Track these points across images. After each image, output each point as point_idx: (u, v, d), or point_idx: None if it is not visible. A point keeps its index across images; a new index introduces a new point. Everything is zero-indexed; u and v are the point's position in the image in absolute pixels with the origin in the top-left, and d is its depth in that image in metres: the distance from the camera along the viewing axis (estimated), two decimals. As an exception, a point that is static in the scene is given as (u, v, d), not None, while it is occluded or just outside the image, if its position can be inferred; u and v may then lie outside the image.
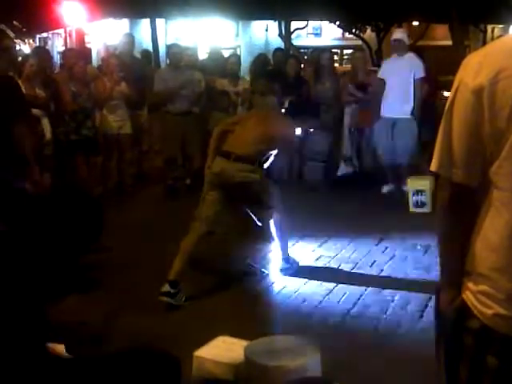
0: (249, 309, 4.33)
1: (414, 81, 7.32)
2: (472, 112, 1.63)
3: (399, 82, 7.32)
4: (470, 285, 1.71)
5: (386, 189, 7.62)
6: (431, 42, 12.27)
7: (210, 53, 9.67)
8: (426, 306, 4.20)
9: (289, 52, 12.11)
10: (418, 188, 6.83)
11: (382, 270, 5.13)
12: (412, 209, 6.88)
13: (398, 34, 7.63)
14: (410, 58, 7.49)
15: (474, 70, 1.64)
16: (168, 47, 8.88)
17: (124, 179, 8.03)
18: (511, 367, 1.63)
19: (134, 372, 2.61)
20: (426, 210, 6.69)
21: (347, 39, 14.54)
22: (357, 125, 8.07)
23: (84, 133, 7.24)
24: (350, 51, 13.65)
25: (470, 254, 1.72)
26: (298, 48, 12.59)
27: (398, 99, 7.32)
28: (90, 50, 9.43)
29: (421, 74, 7.36)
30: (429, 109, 7.61)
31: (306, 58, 9.51)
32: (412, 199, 6.87)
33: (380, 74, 7.70)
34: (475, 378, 1.69)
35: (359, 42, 12.14)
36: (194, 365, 2.86)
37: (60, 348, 2.75)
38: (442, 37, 12.70)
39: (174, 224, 6.44)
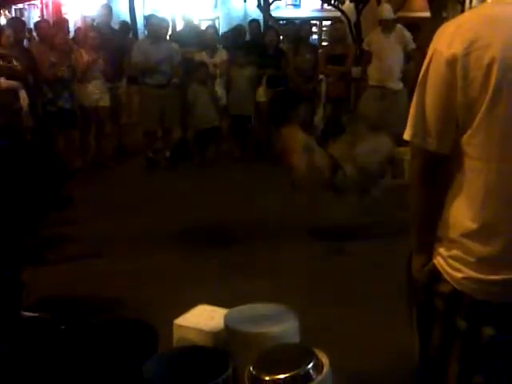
0: (231, 276, 4.39)
1: (405, 53, 7.34)
2: (445, 81, 1.65)
3: (390, 54, 7.35)
4: (442, 250, 1.76)
5: None
6: (410, 13, 12.26)
7: (187, 24, 9.57)
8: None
9: (267, 23, 12.03)
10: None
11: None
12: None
13: (386, 12, 7.49)
14: (400, 30, 7.49)
15: (448, 39, 1.65)
16: (146, 18, 8.79)
17: (103, 152, 8.00)
18: (480, 329, 1.68)
19: (110, 341, 2.65)
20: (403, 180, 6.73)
21: (326, 11, 14.44)
22: (333, 95, 8.07)
23: (61, 104, 7.18)
24: (328, 23, 13.58)
25: (442, 220, 1.76)
26: (277, 19, 12.48)
27: (388, 71, 7.34)
28: (67, 21, 9.26)
29: (412, 45, 7.39)
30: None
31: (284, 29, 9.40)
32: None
33: (366, 46, 7.68)
34: (447, 340, 1.74)
35: (338, 14, 12.06)
36: (174, 333, 2.90)
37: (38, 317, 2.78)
38: (420, 8, 12.72)
39: (154, 196, 6.48)
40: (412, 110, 1.75)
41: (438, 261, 1.77)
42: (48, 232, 4.68)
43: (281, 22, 11.95)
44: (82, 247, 5.07)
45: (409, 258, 1.92)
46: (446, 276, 1.73)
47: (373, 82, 7.51)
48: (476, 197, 1.67)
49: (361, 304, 3.89)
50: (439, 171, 1.74)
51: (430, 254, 1.81)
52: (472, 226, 1.67)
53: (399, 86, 7.47)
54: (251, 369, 2.37)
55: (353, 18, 11.80)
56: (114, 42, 8.17)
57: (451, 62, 1.63)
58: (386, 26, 7.43)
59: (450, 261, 1.72)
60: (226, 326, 2.71)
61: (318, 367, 2.35)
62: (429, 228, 1.80)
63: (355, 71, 8.08)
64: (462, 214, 1.70)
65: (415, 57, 7.26)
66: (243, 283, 4.19)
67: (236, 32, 9.20)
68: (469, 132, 1.65)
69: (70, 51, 7.55)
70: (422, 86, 1.71)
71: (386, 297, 3.89)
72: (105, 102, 7.79)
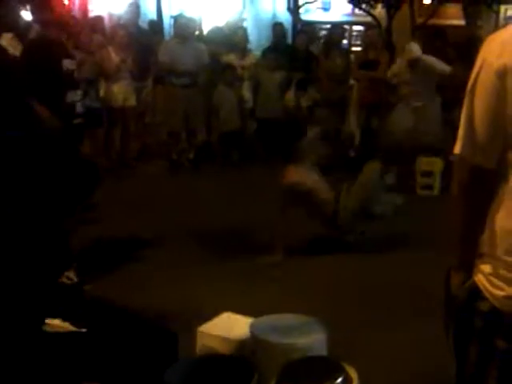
0: (256, 283, 4.30)
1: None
2: (494, 93, 1.59)
3: (417, 86, 7.14)
4: (483, 267, 1.70)
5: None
6: (441, 20, 12.12)
7: (217, 26, 9.54)
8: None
9: (297, 27, 11.97)
10: (426, 169, 6.71)
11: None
12: (419, 191, 6.75)
13: (414, 50, 7.15)
14: (423, 62, 7.14)
15: (498, 49, 1.59)
16: (173, 18, 8.74)
17: (127, 152, 7.98)
18: None
19: (130, 346, 2.61)
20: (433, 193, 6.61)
21: (356, 15, 14.31)
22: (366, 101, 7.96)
23: (87, 104, 7.17)
24: (359, 28, 13.46)
25: (486, 236, 1.70)
26: (307, 23, 12.41)
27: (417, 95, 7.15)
28: (102, 19, 9.20)
29: (441, 68, 7.10)
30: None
31: (315, 33, 9.35)
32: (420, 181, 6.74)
33: (392, 77, 7.50)
34: (484, 359, 1.69)
35: (369, 19, 11.94)
36: (197, 340, 2.84)
37: (59, 320, 2.74)
38: (452, 16, 12.56)
39: (176, 198, 6.44)
40: (461, 122, 1.69)
41: (479, 278, 1.71)
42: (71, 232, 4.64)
43: (311, 25, 11.87)
44: (104, 247, 5.02)
45: (448, 273, 1.86)
46: (486, 294, 1.68)
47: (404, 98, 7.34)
48: None
49: (388, 319, 3.79)
50: (485, 185, 1.68)
51: (470, 270, 1.76)
52: None
53: (430, 100, 7.21)
54: (276, 380, 2.29)
55: (384, 24, 11.67)
56: (142, 42, 8.14)
57: (501, 74, 1.56)
58: (414, 64, 7.19)
59: (492, 278, 1.67)
60: (252, 334, 2.63)
61: (347, 381, 2.27)
62: (470, 244, 1.75)
63: (389, 78, 7.90)
64: (506, 230, 1.64)
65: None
66: (268, 291, 4.11)
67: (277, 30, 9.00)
68: None
69: (99, 49, 7.54)
70: (470, 98, 1.65)
71: (415, 312, 3.82)
72: (131, 101, 7.78)
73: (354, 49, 9.67)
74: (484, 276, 1.69)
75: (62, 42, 5.23)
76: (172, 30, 8.68)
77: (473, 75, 1.65)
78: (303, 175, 5.04)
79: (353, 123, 8.24)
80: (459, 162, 1.71)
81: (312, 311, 2.77)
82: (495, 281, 1.65)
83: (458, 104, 1.86)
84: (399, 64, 7.53)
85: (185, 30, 7.82)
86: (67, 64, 4.89)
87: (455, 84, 7.01)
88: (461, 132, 1.69)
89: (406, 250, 4.91)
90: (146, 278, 4.43)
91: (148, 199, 6.41)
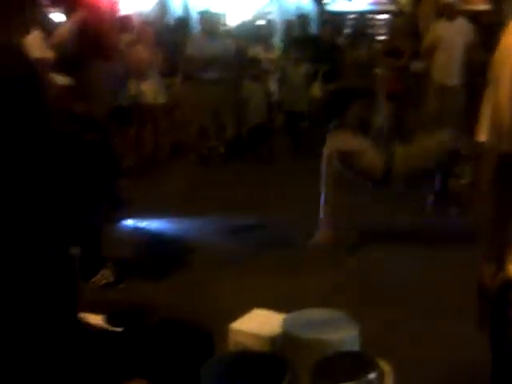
0: (286, 281, 4.29)
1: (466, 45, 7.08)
2: None
3: (452, 45, 7.07)
4: None
5: None
6: (468, 5, 11.93)
7: (243, 20, 9.53)
8: None
9: (322, 17, 11.90)
10: None
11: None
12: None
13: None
14: (462, 20, 7.21)
15: None
16: (200, 14, 8.76)
17: (158, 149, 8.02)
18: None
19: (166, 345, 2.62)
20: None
21: (381, 4, 14.19)
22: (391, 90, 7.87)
23: (117, 102, 7.22)
24: (383, 16, 13.29)
25: None
26: (332, 13, 12.33)
27: (450, 63, 7.07)
28: (130, 18, 9.25)
29: (472, 36, 7.11)
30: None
31: (340, 23, 9.27)
32: None
33: (428, 38, 7.42)
34: None
35: (393, 8, 11.82)
36: (229, 338, 2.84)
37: (95, 318, 2.77)
38: (478, 1, 12.36)
39: (208, 193, 6.46)
40: (486, 109, 1.66)
41: (511, 269, 1.68)
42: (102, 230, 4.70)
43: (335, 16, 11.79)
44: (138, 245, 5.08)
45: (480, 264, 1.82)
46: None
47: (435, 78, 7.23)
48: None
49: (421, 311, 3.77)
50: None
51: (502, 261, 1.73)
52: None
53: (459, 81, 7.17)
54: (310, 377, 2.29)
55: (409, 12, 11.51)
56: (169, 39, 8.17)
57: None
58: (449, 12, 7.12)
59: None
60: (284, 331, 2.62)
61: (381, 378, 2.25)
62: (501, 234, 1.72)
63: (415, 66, 7.84)
64: None
65: (474, 50, 7.02)
66: (299, 286, 4.11)
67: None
68: None
69: (128, 48, 7.57)
70: (494, 84, 1.62)
71: (449, 303, 3.79)
72: (161, 99, 7.81)
73: (379, 38, 9.55)
74: None
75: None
76: (199, 25, 8.69)
77: (495, 61, 1.62)
78: (347, 139, 5.03)
79: (381, 113, 8.16)
80: (486, 150, 1.69)
81: (346, 306, 2.75)
82: None
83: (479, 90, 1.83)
84: (435, 23, 7.40)
85: (211, 25, 7.84)
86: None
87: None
88: (485, 120, 1.67)
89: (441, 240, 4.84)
90: (179, 275, 4.47)
91: (180, 195, 6.44)
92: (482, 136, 1.70)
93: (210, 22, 7.86)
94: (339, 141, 5.02)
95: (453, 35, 7.10)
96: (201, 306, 3.71)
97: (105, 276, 4.49)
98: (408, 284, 4.21)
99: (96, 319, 2.77)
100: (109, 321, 2.78)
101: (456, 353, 3.21)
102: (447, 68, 7.10)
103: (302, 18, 9.08)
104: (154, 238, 5.30)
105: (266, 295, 3.65)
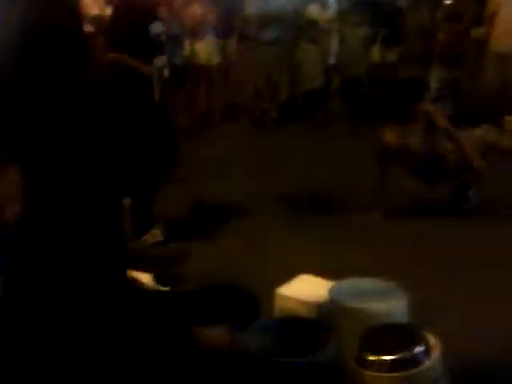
0: (336, 246, 4.24)
1: None
2: None
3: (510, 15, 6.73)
4: None
5: None
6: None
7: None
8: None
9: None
10: None
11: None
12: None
13: None
14: None
15: None
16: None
17: (211, 110, 7.98)
18: None
19: (213, 308, 2.60)
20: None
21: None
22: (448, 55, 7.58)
23: (172, 62, 7.19)
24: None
25: None
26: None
27: (509, 33, 6.73)
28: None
29: None
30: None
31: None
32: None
33: (492, 5, 7.08)
34: None
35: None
36: (276, 302, 2.81)
37: (145, 278, 2.77)
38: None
39: (260, 158, 6.40)
40: None
41: None
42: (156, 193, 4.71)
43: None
44: (189, 208, 5.09)
45: None
46: None
47: (495, 47, 6.92)
48: None
49: (470, 279, 3.67)
50: None
51: None
52: None
53: None
54: (357, 347, 2.24)
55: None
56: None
57: None
58: None
59: None
60: (332, 298, 2.58)
61: (428, 350, 2.19)
62: None
63: (476, 32, 7.50)
64: None
65: None
66: (348, 254, 4.03)
67: None
68: None
69: (182, 5, 7.50)
70: None
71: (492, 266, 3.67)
72: (215, 59, 7.73)
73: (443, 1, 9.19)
74: None
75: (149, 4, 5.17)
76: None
77: None
78: (408, 135, 4.91)
79: (433, 77, 7.90)
80: None
81: (395, 274, 2.68)
82: None
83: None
84: None
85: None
86: (155, 28, 4.83)
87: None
88: None
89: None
90: (228, 239, 4.46)
91: (231, 159, 6.42)
92: None
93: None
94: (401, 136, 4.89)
95: None
96: (248, 270, 3.69)
97: (155, 235, 4.52)
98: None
99: (145, 278, 2.78)
100: (157, 280, 2.78)
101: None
102: (507, 36, 6.76)
103: None
104: (205, 200, 5.29)
105: (313, 261, 3.60)
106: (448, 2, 7.95)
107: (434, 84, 7.83)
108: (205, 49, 7.63)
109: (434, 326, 2.33)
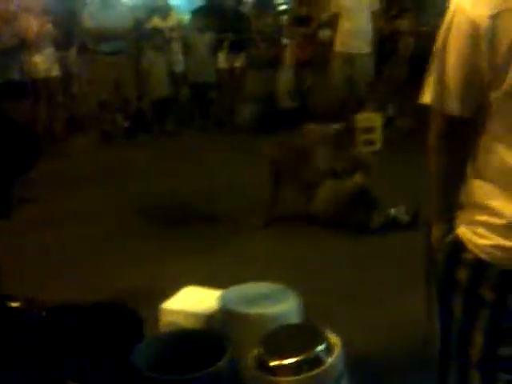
0: (218, 256, 4.12)
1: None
2: (468, 43, 1.52)
3: (358, 15, 6.97)
4: (467, 217, 1.65)
5: None
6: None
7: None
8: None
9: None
10: (366, 126, 6.64)
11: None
12: (361, 147, 6.59)
13: None
14: None
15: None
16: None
17: (54, 125, 7.63)
18: (506, 299, 1.58)
19: (95, 326, 2.47)
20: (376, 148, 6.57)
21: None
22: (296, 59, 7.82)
23: (9, 76, 6.80)
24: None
25: (468, 185, 1.65)
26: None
27: (354, 33, 7.00)
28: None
29: (377, 6, 7.06)
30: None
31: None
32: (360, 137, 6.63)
33: (334, 7, 7.30)
34: (470, 312, 1.65)
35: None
36: (161, 319, 2.68)
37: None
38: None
39: (112, 171, 6.16)
40: (431, 72, 1.65)
41: (462, 230, 1.65)
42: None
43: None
44: (45, 227, 4.76)
45: (428, 227, 1.81)
46: (470, 245, 1.62)
47: (340, 48, 7.12)
48: (502, 158, 1.55)
49: (358, 275, 3.72)
50: (460, 135, 1.63)
51: (450, 222, 1.70)
52: (499, 188, 1.56)
53: (368, 49, 7.08)
54: (256, 353, 2.17)
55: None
56: (62, 7, 7.76)
57: (476, 23, 1.50)
58: None
59: (477, 228, 1.61)
60: (223, 307, 2.50)
61: (329, 349, 2.17)
62: (449, 195, 1.70)
63: (323, 34, 7.76)
64: (488, 176, 1.59)
65: (377, 18, 7.06)
66: (220, 263, 3.92)
67: None
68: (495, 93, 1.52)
69: (15, 19, 7.12)
70: (442, 47, 1.58)
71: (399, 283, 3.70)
72: (54, 72, 7.44)
73: (284, 7, 9.45)
74: (467, 227, 1.64)
75: None
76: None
77: (445, 23, 1.58)
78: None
79: (283, 83, 8.12)
80: (432, 113, 1.66)
81: (283, 280, 2.63)
82: (481, 230, 1.60)
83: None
84: None
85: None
86: None
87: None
88: (431, 82, 1.64)
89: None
90: (91, 256, 4.21)
91: (82, 173, 6.17)
92: (427, 98, 1.67)
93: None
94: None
95: (355, 4, 7.06)
96: (127, 288, 3.50)
97: None
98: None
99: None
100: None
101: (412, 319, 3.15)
102: (351, 37, 7.07)
103: None
104: (58, 219, 4.98)
105: (196, 273, 3.47)
106: (289, 7, 8.25)
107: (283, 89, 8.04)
108: (43, 61, 7.29)
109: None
